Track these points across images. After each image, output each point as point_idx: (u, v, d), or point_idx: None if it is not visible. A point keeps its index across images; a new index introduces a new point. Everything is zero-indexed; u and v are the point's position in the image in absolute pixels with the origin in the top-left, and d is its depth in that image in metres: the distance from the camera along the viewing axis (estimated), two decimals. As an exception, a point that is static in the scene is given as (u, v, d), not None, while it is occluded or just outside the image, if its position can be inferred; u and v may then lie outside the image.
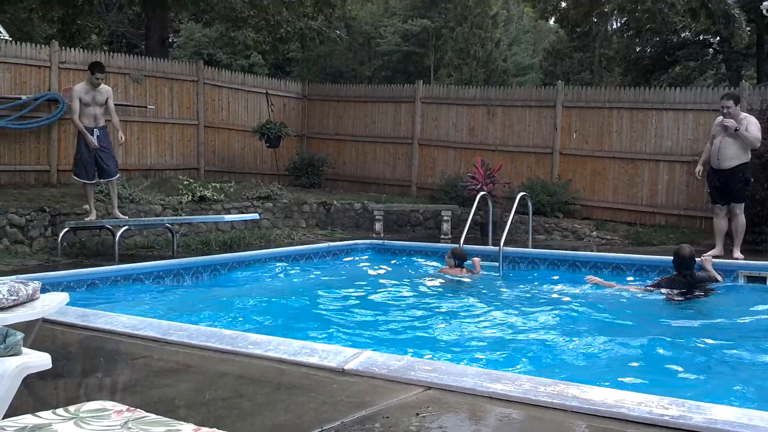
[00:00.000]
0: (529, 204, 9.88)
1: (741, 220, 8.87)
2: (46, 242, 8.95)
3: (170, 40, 22.56)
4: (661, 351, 5.21)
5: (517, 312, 6.51)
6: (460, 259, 8.50)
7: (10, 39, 15.08)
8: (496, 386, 3.40)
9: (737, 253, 8.70)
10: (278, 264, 8.86)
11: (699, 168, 9.10)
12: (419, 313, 6.50)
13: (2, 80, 10.84)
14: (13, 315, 3.47)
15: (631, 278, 8.30)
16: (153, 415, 1.89)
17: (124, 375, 3.97)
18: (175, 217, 9.85)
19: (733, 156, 8.64)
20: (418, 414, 3.11)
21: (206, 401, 3.38)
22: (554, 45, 30.50)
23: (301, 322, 6.12)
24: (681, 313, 6.40)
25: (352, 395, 3.38)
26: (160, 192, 11.02)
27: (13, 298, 3.52)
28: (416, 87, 14.26)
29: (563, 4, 22.84)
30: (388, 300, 7.10)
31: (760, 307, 6.71)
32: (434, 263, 9.20)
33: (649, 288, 7.40)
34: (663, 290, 7.19)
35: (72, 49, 11.99)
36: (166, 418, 1.88)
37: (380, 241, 10.40)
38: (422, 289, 7.68)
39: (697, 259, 7.44)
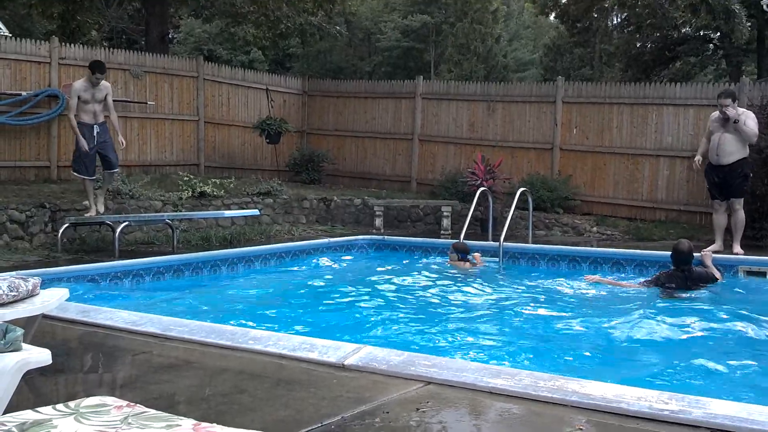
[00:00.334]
0: (530, 200, 9.88)
1: (740, 215, 8.87)
2: (47, 238, 8.95)
3: (170, 36, 22.51)
4: (659, 346, 5.22)
5: (516, 307, 6.51)
6: (462, 252, 8.52)
7: (10, 35, 15.07)
8: (496, 381, 3.40)
9: (737, 249, 8.70)
10: (278, 260, 8.86)
11: (698, 158, 9.04)
12: (419, 308, 6.50)
13: (2, 76, 10.83)
14: (13, 311, 3.48)
15: (631, 274, 8.30)
16: (153, 411, 1.89)
17: (125, 371, 3.98)
18: (175, 213, 9.84)
19: (732, 152, 8.64)
20: (418, 409, 3.12)
21: (206, 397, 3.39)
22: (554, 41, 30.48)
23: (301, 317, 6.13)
24: (679, 308, 6.40)
25: (352, 390, 3.38)
26: (160, 188, 11.01)
27: (13, 293, 3.53)
28: (416, 83, 14.25)
29: (563, 0, 22.81)
30: (388, 295, 7.10)
31: (760, 302, 6.71)
32: (435, 259, 9.21)
33: (646, 283, 7.40)
34: (661, 285, 7.19)
35: (72, 45, 11.97)
36: (166, 414, 1.88)
37: (380, 237, 10.40)
38: (422, 284, 7.68)
39: (696, 254, 7.44)
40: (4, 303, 3.48)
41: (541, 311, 6.34)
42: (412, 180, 14.07)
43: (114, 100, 9.30)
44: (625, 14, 22.88)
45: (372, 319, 6.10)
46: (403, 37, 30.20)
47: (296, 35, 19.14)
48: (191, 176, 11.60)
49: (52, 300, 3.79)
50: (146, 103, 12.54)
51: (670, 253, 7.38)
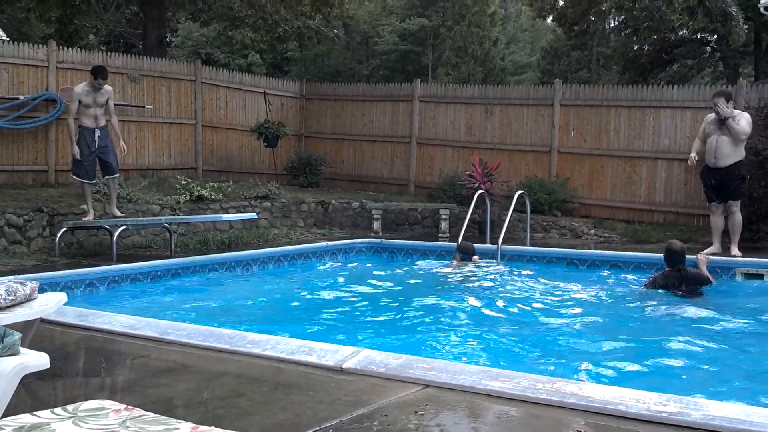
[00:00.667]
0: (527, 202, 9.89)
1: (738, 217, 8.87)
2: (44, 242, 8.94)
3: (168, 40, 22.51)
4: (658, 347, 5.22)
5: (514, 310, 6.51)
6: (465, 253, 8.53)
7: (8, 39, 15.06)
8: (494, 384, 3.40)
9: (735, 251, 8.70)
10: (276, 263, 8.86)
11: (693, 155, 8.98)
12: (416, 311, 6.50)
13: (0, 80, 10.83)
14: (10, 315, 3.47)
15: (630, 276, 8.30)
16: (151, 414, 1.89)
17: (123, 375, 3.97)
18: (173, 217, 9.84)
19: (728, 154, 8.63)
20: (416, 412, 3.12)
21: (204, 400, 3.38)
22: (552, 43, 30.52)
23: (300, 321, 6.12)
24: (676, 310, 6.40)
25: (350, 394, 3.38)
26: (158, 192, 11.01)
27: (10, 298, 3.52)
28: (414, 86, 14.26)
29: (561, 3, 22.85)
30: (386, 299, 7.10)
31: (758, 304, 6.72)
32: (432, 262, 9.21)
33: (643, 286, 7.40)
34: (658, 286, 7.20)
35: (69, 49, 11.98)
36: (164, 417, 1.88)
37: (378, 240, 10.39)
38: (419, 287, 7.68)
39: (691, 256, 7.45)
40: (2, 307, 3.47)
41: (539, 314, 6.34)
42: (410, 183, 14.08)
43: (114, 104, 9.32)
44: (623, 17, 22.92)
45: (370, 322, 6.10)
46: (400, 41, 30.22)
47: (294, 39, 19.14)
48: (189, 180, 11.60)
49: (50, 304, 3.78)
50: (144, 107, 12.54)
51: (662, 255, 7.41)
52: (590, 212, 12.06)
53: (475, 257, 8.64)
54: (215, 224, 10.49)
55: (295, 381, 3.62)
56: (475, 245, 8.96)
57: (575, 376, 4.26)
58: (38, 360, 2.64)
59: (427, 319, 6.14)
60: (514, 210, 9.64)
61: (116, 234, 8.44)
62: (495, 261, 8.66)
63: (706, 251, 8.67)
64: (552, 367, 4.57)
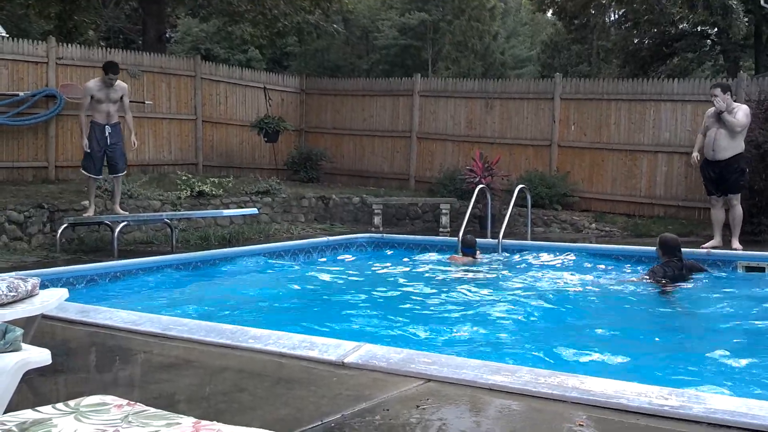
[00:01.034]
0: (528, 196, 9.89)
1: (738, 210, 8.87)
2: (45, 239, 8.94)
3: (167, 36, 22.46)
4: (659, 340, 5.22)
5: (515, 304, 6.51)
6: (468, 247, 8.53)
7: (7, 35, 15.04)
8: (496, 378, 3.40)
9: (735, 244, 8.70)
10: (277, 259, 8.86)
11: (695, 154, 9.01)
12: (418, 305, 6.50)
13: (0, 77, 10.82)
14: (12, 311, 3.47)
15: (630, 270, 8.30)
16: (153, 409, 1.89)
17: (124, 370, 3.98)
18: (173, 213, 9.84)
19: (726, 147, 8.62)
20: (418, 406, 3.12)
21: (207, 396, 3.39)
22: (552, 37, 30.47)
23: (301, 316, 6.12)
24: (677, 302, 6.41)
25: (352, 388, 3.38)
26: (159, 187, 11.01)
27: (12, 294, 3.52)
28: (414, 80, 14.24)
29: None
30: (387, 293, 7.10)
31: (758, 297, 6.72)
32: (433, 256, 9.21)
33: (642, 277, 7.40)
34: (658, 278, 7.20)
35: (69, 45, 11.96)
36: (167, 412, 1.88)
37: (379, 235, 10.40)
38: (420, 282, 7.68)
39: (688, 250, 7.50)
40: (4, 303, 3.47)
41: (540, 308, 6.34)
42: (410, 178, 14.07)
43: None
44: (623, 10, 22.90)
45: (371, 317, 6.10)
46: (400, 35, 30.18)
47: (294, 34, 19.10)
48: (189, 175, 11.59)
49: (52, 300, 3.78)
50: (144, 103, 12.53)
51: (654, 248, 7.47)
52: (591, 206, 12.05)
53: (478, 254, 8.64)
54: (216, 220, 10.50)
55: (297, 376, 3.62)
56: (476, 240, 8.95)
57: (577, 368, 4.26)
58: (40, 356, 2.64)
59: (428, 314, 6.15)
60: (515, 204, 9.63)
61: (117, 230, 8.44)
62: (496, 255, 8.66)
63: (707, 245, 8.69)
64: (553, 361, 4.57)
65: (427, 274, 8.15)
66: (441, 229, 11.23)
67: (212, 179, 11.61)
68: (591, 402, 3.13)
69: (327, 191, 12.85)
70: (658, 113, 11.60)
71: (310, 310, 6.41)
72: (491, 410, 3.18)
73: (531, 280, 7.81)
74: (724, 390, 3.80)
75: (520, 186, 9.65)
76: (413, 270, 8.53)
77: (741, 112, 8.62)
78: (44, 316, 4.00)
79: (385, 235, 10.41)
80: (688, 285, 7.09)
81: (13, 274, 4.79)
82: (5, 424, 1.74)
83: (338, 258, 9.50)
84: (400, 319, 5.96)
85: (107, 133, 8.95)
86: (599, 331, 5.54)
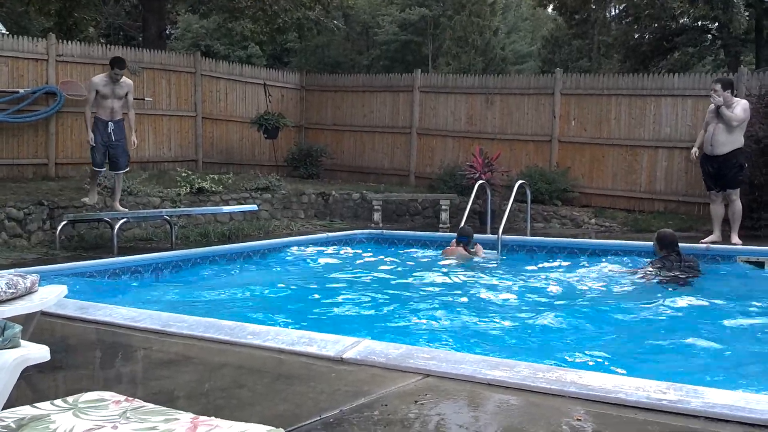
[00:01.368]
0: (528, 192, 9.89)
1: (737, 205, 8.86)
2: (45, 236, 8.95)
3: (167, 32, 22.45)
4: (658, 335, 5.22)
5: (515, 299, 6.52)
6: (463, 236, 8.52)
7: (7, 33, 15.02)
8: (495, 373, 3.41)
9: (735, 239, 8.70)
10: (277, 255, 8.86)
11: (694, 150, 9.00)
12: (417, 301, 6.51)
13: (0, 74, 10.84)
14: (11, 308, 3.48)
15: (630, 265, 8.30)
16: (151, 405, 1.90)
17: (124, 367, 3.98)
18: (173, 209, 9.85)
19: (724, 142, 8.60)
20: (416, 401, 3.12)
21: (206, 392, 3.39)
22: (552, 32, 30.41)
23: (300, 312, 6.13)
24: (675, 297, 6.40)
25: (351, 384, 3.39)
26: (159, 184, 11.01)
27: (11, 290, 3.53)
28: (414, 76, 14.23)
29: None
30: (387, 289, 7.10)
31: (757, 292, 6.72)
32: (433, 252, 9.21)
33: (641, 272, 7.40)
34: (657, 272, 7.21)
35: (69, 42, 11.96)
36: (165, 408, 1.89)
37: (379, 231, 10.40)
38: (420, 278, 7.69)
39: (686, 245, 7.51)
40: (3, 300, 3.48)
41: (539, 303, 6.35)
42: (410, 174, 14.07)
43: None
44: (623, 5, 22.85)
45: (370, 312, 6.11)
46: (400, 31, 30.12)
47: (294, 30, 19.04)
48: (189, 172, 11.59)
49: (51, 297, 3.79)
50: (144, 99, 12.52)
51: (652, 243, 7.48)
52: (591, 201, 12.06)
53: (477, 245, 8.63)
54: (216, 216, 10.50)
55: (296, 372, 3.62)
56: (476, 235, 8.96)
57: (575, 364, 4.26)
58: (39, 352, 2.65)
59: (427, 309, 6.15)
60: (515, 200, 9.63)
61: (117, 226, 8.45)
62: (496, 251, 8.66)
63: (706, 239, 8.68)
64: (552, 356, 4.58)
65: (426, 270, 8.15)
66: (441, 225, 11.23)
67: (212, 176, 11.61)
68: (589, 396, 3.14)
69: (327, 187, 12.85)
70: (658, 108, 11.59)
71: (308, 306, 6.41)
72: (490, 405, 3.19)
73: (530, 275, 7.81)
74: (723, 384, 3.80)
75: (520, 181, 9.65)
76: (413, 266, 8.53)
77: (739, 107, 8.61)
78: (43, 313, 4.01)
79: (385, 231, 10.41)
80: (686, 280, 7.09)
81: (12, 270, 4.79)
82: (4, 420, 1.75)
83: (338, 254, 9.50)
84: (399, 314, 5.97)
85: (110, 130, 8.96)
86: (596, 326, 5.54)
